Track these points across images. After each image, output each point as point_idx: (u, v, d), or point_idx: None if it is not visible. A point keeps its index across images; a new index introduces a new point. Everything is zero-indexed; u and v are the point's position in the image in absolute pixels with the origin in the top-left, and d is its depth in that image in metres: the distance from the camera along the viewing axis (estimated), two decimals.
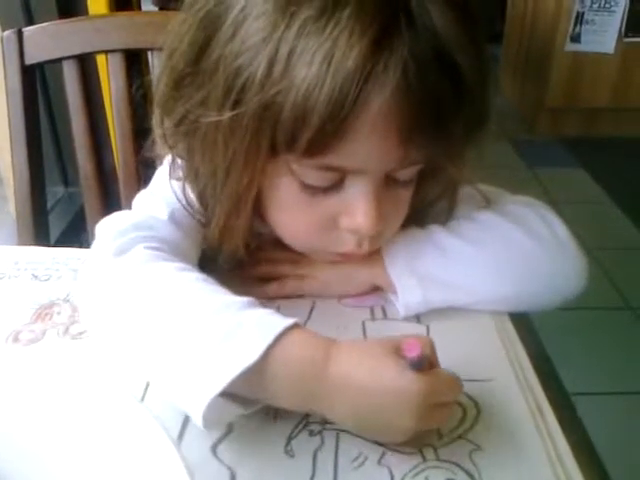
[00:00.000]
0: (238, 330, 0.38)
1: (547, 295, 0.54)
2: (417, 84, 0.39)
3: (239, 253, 0.52)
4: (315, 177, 0.45)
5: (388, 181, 0.47)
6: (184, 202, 0.51)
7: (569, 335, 1.53)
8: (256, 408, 0.41)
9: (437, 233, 0.54)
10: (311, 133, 0.39)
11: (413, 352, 0.37)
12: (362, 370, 0.38)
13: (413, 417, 0.37)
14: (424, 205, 0.54)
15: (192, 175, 0.50)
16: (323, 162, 0.43)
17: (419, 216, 0.55)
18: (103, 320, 0.44)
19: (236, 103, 0.41)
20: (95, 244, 0.47)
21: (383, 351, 0.39)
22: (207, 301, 0.40)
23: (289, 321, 0.39)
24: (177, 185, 0.51)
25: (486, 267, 0.52)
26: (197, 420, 0.37)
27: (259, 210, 0.50)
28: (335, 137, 0.40)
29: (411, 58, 0.38)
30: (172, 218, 0.50)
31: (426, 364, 0.38)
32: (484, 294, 0.52)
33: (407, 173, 0.48)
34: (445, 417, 0.41)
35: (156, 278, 0.42)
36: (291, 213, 0.49)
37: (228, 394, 0.37)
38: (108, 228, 0.48)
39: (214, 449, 0.40)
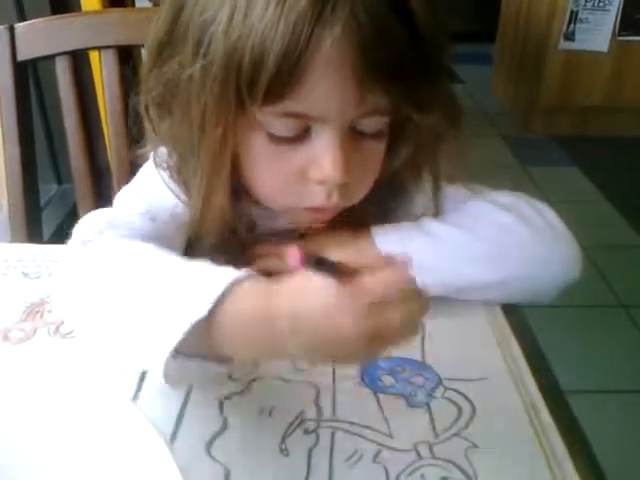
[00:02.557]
0: (187, 286, 0.38)
1: (541, 282, 0.54)
2: (366, 23, 0.41)
3: (224, 238, 0.52)
4: (280, 126, 0.46)
5: (355, 134, 0.47)
6: (171, 186, 0.52)
7: (563, 333, 1.54)
8: (229, 368, 0.39)
9: (427, 222, 0.54)
10: (268, 76, 0.41)
11: (295, 255, 0.34)
12: (299, 293, 0.36)
13: (349, 317, 0.34)
14: (399, 167, 0.53)
15: (171, 147, 0.51)
16: (284, 109, 0.44)
17: (397, 187, 0.55)
18: (67, 298, 0.44)
19: (205, 56, 0.43)
20: (70, 243, 0.48)
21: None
22: (159, 264, 0.41)
23: (238, 273, 0.38)
24: (164, 174, 0.52)
25: (477, 252, 0.52)
26: (160, 379, 0.37)
27: (238, 174, 0.50)
28: (291, 79, 0.41)
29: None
30: (149, 215, 0.51)
31: (343, 269, 0.36)
32: (476, 279, 0.52)
33: (372, 124, 0.48)
34: (397, 318, 0.35)
35: (116, 251, 0.44)
36: (262, 168, 0.49)
37: (187, 353, 0.37)
38: (84, 228, 0.48)
39: (208, 447, 0.40)
